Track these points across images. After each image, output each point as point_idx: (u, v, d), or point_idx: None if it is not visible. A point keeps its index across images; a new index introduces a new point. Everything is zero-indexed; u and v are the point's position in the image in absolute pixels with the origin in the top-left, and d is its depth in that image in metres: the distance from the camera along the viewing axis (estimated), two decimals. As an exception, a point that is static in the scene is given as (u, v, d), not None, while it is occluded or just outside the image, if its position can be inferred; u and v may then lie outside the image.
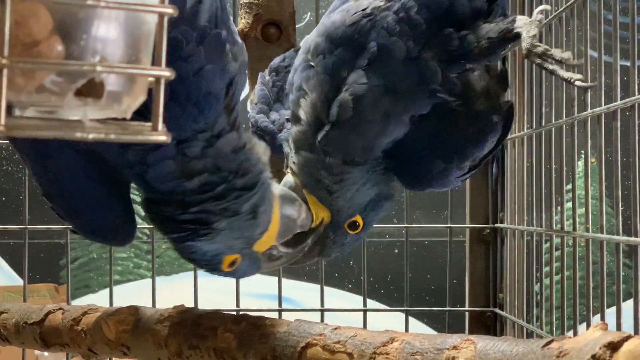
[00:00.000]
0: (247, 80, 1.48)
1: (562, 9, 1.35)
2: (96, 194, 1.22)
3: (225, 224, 1.19)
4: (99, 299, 2.70)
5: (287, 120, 1.36)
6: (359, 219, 1.34)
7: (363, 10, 1.28)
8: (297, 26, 1.71)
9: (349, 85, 1.27)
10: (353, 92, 1.26)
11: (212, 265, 1.24)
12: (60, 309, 1.39)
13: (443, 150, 1.29)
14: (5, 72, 0.45)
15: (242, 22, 1.53)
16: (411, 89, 1.26)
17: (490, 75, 1.30)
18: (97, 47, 0.49)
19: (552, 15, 1.39)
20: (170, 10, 0.49)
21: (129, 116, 0.53)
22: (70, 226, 1.64)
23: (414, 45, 1.25)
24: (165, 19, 0.49)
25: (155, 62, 0.50)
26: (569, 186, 1.37)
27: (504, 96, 1.33)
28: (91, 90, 0.49)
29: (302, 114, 1.30)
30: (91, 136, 0.48)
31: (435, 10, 1.25)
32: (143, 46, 0.51)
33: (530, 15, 1.45)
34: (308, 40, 1.33)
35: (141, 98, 0.53)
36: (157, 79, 0.49)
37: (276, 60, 1.42)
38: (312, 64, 1.31)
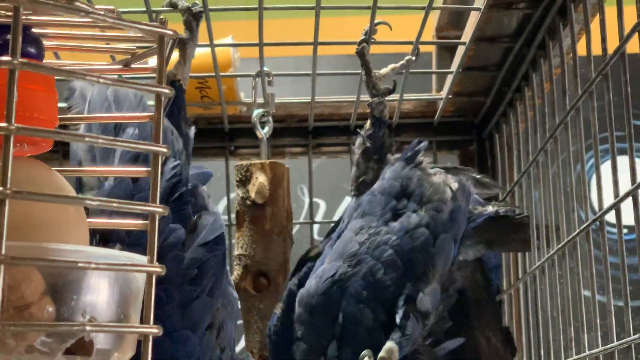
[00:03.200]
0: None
1: (553, 251, 1.37)
2: None
3: None
4: None
5: None
6: None
7: (332, 276, 1.30)
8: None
9: (331, 356, 1.27)
10: None
11: None
12: None
13: None
14: (-4, 335, 0.46)
15: (235, 273, 1.55)
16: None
17: (495, 338, 1.30)
18: (86, 307, 0.50)
19: (545, 258, 1.41)
20: (158, 270, 0.50)
21: (118, 373, 0.54)
22: None
23: (382, 309, 1.26)
24: (154, 277, 0.50)
25: (143, 317, 0.51)
26: None
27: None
28: (80, 348, 0.50)
29: None
30: (79, 396, 0.48)
31: (399, 269, 1.27)
32: (132, 303, 0.52)
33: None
34: (299, 299, 1.34)
35: (130, 354, 0.53)
36: (146, 336, 0.50)
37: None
38: (298, 335, 1.32)
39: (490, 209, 1.36)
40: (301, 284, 1.37)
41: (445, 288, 1.29)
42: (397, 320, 1.22)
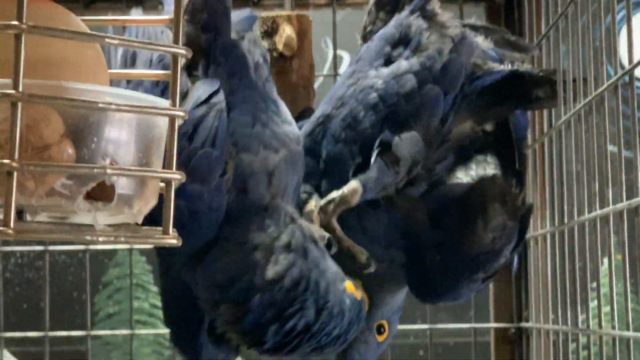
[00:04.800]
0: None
1: (579, 106, 1.36)
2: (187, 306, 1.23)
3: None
4: (120, 406, 2.66)
5: None
6: (385, 323, 1.32)
7: (317, 118, 1.32)
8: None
9: (322, 194, 1.28)
10: (326, 199, 1.27)
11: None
12: (81, 416, 1.38)
13: (454, 262, 1.27)
14: (15, 175, 0.46)
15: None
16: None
17: (505, 177, 1.29)
18: (107, 150, 0.49)
19: (571, 113, 1.39)
20: (181, 113, 0.49)
21: (140, 221, 0.53)
22: (91, 332, 1.65)
23: (358, 150, 1.26)
24: (177, 122, 0.49)
25: (166, 164, 0.50)
26: (594, 284, 1.35)
27: (519, 200, 1.31)
28: (102, 193, 0.49)
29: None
30: (101, 239, 0.47)
31: (381, 114, 1.26)
32: (154, 149, 0.51)
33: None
34: None
35: (152, 202, 0.53)
36: (168, 182, 0.49)
37: None
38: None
39: (504, 67, 1.33)
40: None
41: (437, 145, 1.28)
42: (372, 162, 1.23)
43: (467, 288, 1.28)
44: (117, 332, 1.66)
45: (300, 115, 1.44)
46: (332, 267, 1.20)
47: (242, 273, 1.15)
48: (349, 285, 1.20)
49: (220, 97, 1.15)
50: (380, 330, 1.31)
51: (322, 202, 1.23)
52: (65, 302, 2.70)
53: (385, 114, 1.26)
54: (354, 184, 1.22)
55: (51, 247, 1.76)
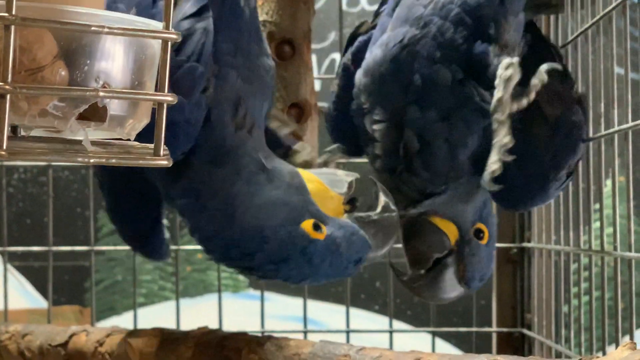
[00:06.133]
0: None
1: (587, 25, 1.34)
2: (133, 206, 1.32)
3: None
4: (123, 322, 2.68)
5: None
6: (482, 226, 1.31)
7: (400, 41, 1.27)
8: (322, 46, 1.68)
9: (407, 122, 1.26)
10: (413, 129, 1.25)
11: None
12: (85, 330, 1.40)
13: (537, 167, 1.26)
14: (8, 97, 0.45)
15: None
16: (465, 111, 1.25)
17: (552, 75, 1.28)
18: (100, 71, 0.49)
19: (578, 32, 1.38)
20: (174, 36, 0.49)
21: (132, 138, 0.53)
22: (94, 248, 1.66)
23: (457, 67, 1.24)
24: (169, 44, 0.49)
25: (158, 86, 0.49)
26: (597, 205, 1.35)
27: (574, 91, 1.31)
28: (94, 114, 0.49)
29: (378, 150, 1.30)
30: (92, 161, 0.47)
31: (470, 27, 1.25)
32: (147, 70, 0.51)
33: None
34: (358, 78, 1.32)
35: (145, 121, 0.53)
36: (160, 103, 0.49)
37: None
38: (367, 106, 1.30)
39: None
40: (355, 58, 1.36)
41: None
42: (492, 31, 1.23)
43: (554, 188, 1.28)
44: (120, 247, 1.66)
45: (352, 37, 1.40)
46: (284, 201, 1.20)
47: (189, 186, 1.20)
48: (306, 224, 1.19)
49: (208, 14, 1.15)
50: (479, 235, 1.31)
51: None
52: (69, 218, 2.71)
53: (474, 26, 1.24)
54: (508, 60, 1.21)
55: (55, 163, 1.77)
